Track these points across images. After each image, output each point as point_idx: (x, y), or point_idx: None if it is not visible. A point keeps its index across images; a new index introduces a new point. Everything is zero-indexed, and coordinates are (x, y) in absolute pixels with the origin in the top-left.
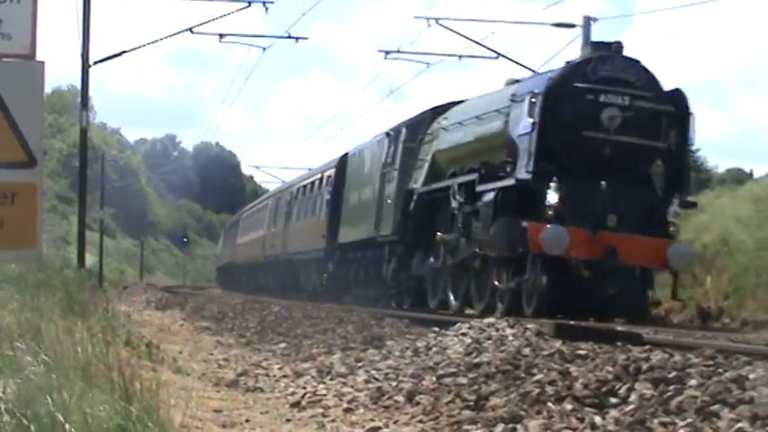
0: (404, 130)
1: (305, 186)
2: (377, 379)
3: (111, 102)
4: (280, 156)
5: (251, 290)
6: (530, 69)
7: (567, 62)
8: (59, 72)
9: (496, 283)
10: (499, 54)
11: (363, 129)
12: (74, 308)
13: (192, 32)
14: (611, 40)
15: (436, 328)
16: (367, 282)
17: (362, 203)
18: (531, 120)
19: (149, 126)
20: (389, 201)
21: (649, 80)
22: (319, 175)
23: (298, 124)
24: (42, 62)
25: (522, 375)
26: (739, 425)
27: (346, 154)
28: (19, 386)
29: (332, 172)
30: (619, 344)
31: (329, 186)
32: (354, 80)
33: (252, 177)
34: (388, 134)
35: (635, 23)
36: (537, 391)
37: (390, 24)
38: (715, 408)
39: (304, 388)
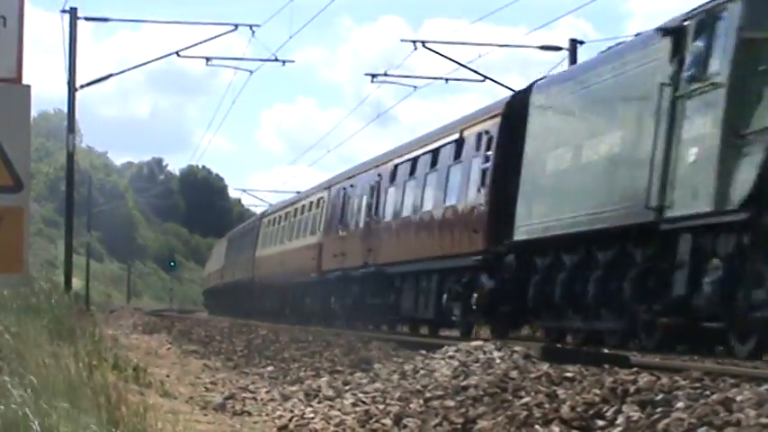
0: (738, 5)
1: (402, 166)
2: (364, 402)
3: (97, 125)
4: (266, 179)
5: (304, 318)
6: (513, 90)
7: None
8: (46, 95)
9: None
10: (486, 77)
11: (350, 152)
12: (61, 332)
13: (178, 56)
14: None
15: (424, 351)
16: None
17: (594, 165)
18: None
19: (135, 150)
20: (696, 151)
21: None
22: (457, 135)
23: (284, 148)
24: (28, 86)
25: (510, 398)
26: None
27: (525, 89)
28: (4, 411)
29: (490, 125)
30: (606, 366)
31: (484, 152)
32: (340, 103)
33: (239, 201)
34: (672, 30)
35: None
36: (524, 413)
37: (376, 48)
38: (702, 430)
39: (291, 411)
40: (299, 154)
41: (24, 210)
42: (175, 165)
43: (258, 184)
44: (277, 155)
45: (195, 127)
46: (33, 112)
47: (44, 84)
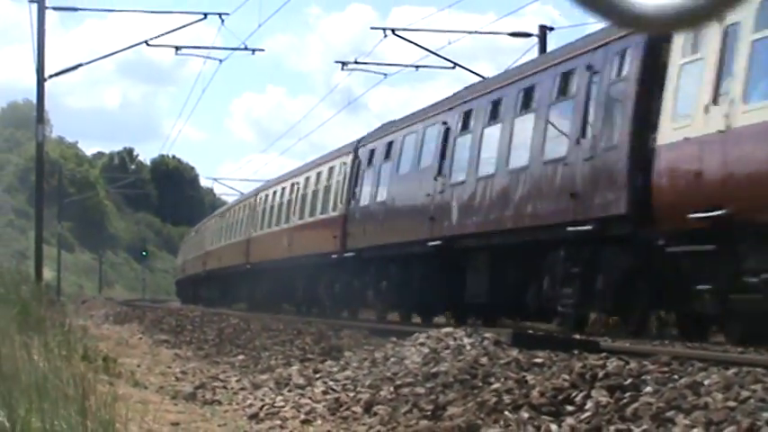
0: None
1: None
2: (335, 390)
3: (67, 115)
4: (237, 168)
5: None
6: (483, 78)
7: None
8: (14, 86)
9: None
10: (456, 64)
11: (321, 140)
12: (30, 323)
13: (148, 45)
14: None
15: (394, 339)
16: None
17: None
18: None
19: (105, 140)
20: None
21: None
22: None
23: (254, 136)
24: None
25: (480, 384)
26: (694, 431)
27: None
28: None
29: None
30: (575, 352)
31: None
32: (310, 92)
33: (211, 190)
34: None
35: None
36: (494, 399)
37: (345, 36)
38: (670, 414)
39: (262, 400)
40: (269, 142)
41: None
42: (146, 155)
43: (229, 172)
44: (247, 144)
45: (165, 117)
46: (2, 103)
47: (13, 74)
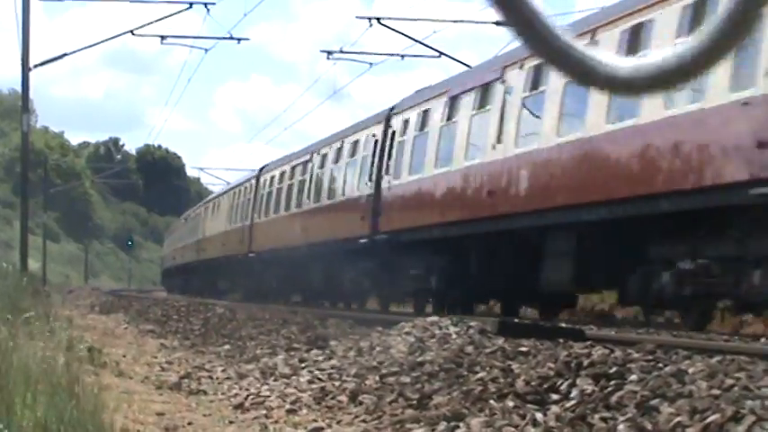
0: None
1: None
2: (320, 379)
3: (51, 105)
4: (222, 157)
5: None
6: (469, 67)
7: None
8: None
9: None
10: (441, 53)
11: (305, 129)
12: (15, 313)
13: (133, 34)
14: None
15: (380, 328)
16: None
17: None
18: None
19: (90, 129)
20: None
21: None
22: None
23: (239, 125)
24: None
25: (465, 373)
26: (678, 419)
27: None
28: None
29: None
30: (561, 340)
31: None
32: (294, 81)
33: (198, 179)
34: None
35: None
36: (479, 388)
37: (329, 25)
38: (655, 402)
39: (247, 389)
40: (254, 131)
41: None
42: (131, 144)
43: (214, 161)
44: (232, 133)
45: (149, 106)
46: None
47: None
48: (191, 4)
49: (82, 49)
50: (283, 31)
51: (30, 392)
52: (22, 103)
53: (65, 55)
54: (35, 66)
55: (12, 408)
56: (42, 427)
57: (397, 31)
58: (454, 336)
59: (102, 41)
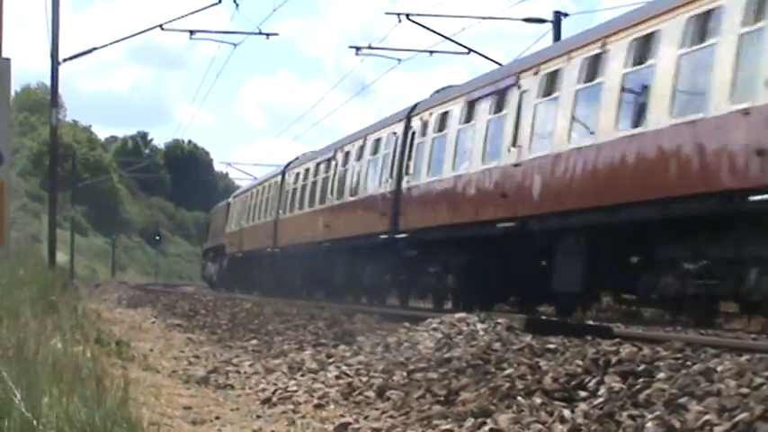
0: None
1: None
2: (348, 375)
3: (78, 99)
4: (248, 153)
5: None
6: (499, 65)
7: None
8: (23, 69)
9: None
10: (470, 50)
11: (331, 126)
12: (45, 307)
13: (162, 29)
14: None
15: (407, 324)
16: None
17: None
18: None
19: (116, 124)
20: None
21: None
22: None
23: (265, 121)
24: (8, 59)
25: (493, 370)
26: (707, 417)
27: None
28: None
29: None
30: (588, 338)
31: None
32: (319, 77)
33: (226, 174)
34: None
35: (597, 21)
36: (507, 385)
37: (355, 20)
38: (683, 400)
39: (275, 384)
40: (279, 127)
41: (5, 183)
42: (159, 139)
43: (240, 157)
44: (258, 128)
45: (176, 101)
46: (15, 87)
47: (25, 57)
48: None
49: (111, 44)
50: (310, 26)
51: (58, 385)
52: (51, 97)
53: (94, 49)
54: (64, 60)
55: (40, 401)
56: (71, 420)
57: (426, 28)
58: (481, 332)
59: (132, 35)
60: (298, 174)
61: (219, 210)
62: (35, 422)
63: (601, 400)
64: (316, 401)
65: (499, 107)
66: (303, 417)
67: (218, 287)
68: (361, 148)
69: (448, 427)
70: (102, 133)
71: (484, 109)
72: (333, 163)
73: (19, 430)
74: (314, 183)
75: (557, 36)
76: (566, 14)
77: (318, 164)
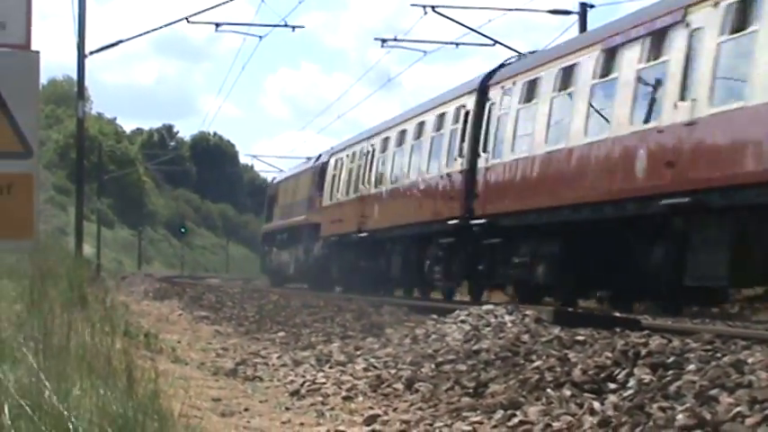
0: None
1: None
2: (376, 367)
3: (103, 91)
4: (273, 145)
5: None
6: (523, 56)
7: None
8: (54, 62)
9: None
10: (496, 41)
11: (355, 118)
12: (73, 299)
13: (188, 21)
14: None
15: (435, 316)
16: None
17: None
18: None
19: (141, 116)
20: None
21: None
22: None
23: (289, 113)
24: (37, 52)
25: (521, 362)
26: (738, 409)
27: None
28: (20, 375)
29: None
30: (617, 330)
31: None
32: (344, 69)
33: (252, 167)
34: None
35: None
36: (536, 377)
37: (379, 12)
38: (714, 392)
39: (303, 376)
40: (303, 119)
41: (34, 176)
42: (184, 131)
43: (264, 149)
44: (282, 120)
45: (200, 93)
46: (42, 79)
47: (50, 50)
48: None
49: (137, 36)
50: (333, 18)
51: (89, 378)
52: (77, 89)
53: (120, 42)
54: (91, 52)
55: (71, 392)
56: (101, 412)
57: (451, 20)
58: (509, 324)
59: (159, 28)
60: (342, 159)
61: (296, 177)
62: (66, 413)
63: (631, 392)
64: (344, 393)
65: (655, 53)
66: (332, 409)
67: (303, 285)
68: (421, 125)
69: (477, 419)
70: (127, 126)
71: (630, 58)
72: (386, 143)
73: (50, 422)
74: (361, 166)
75: (582, 28)
76: (591, 6)
77: (373, 144)
